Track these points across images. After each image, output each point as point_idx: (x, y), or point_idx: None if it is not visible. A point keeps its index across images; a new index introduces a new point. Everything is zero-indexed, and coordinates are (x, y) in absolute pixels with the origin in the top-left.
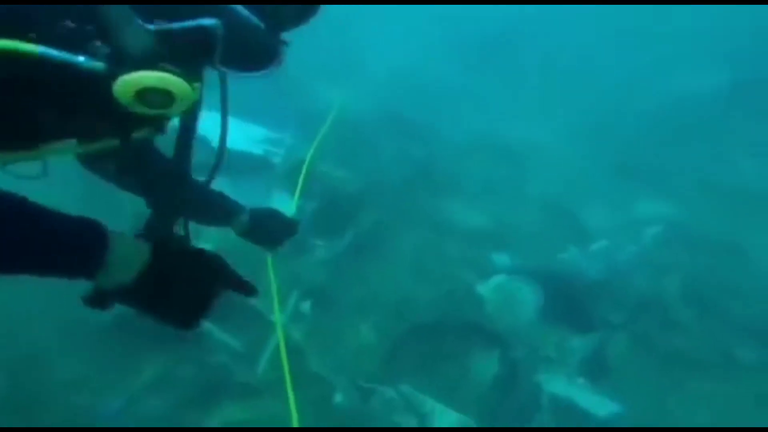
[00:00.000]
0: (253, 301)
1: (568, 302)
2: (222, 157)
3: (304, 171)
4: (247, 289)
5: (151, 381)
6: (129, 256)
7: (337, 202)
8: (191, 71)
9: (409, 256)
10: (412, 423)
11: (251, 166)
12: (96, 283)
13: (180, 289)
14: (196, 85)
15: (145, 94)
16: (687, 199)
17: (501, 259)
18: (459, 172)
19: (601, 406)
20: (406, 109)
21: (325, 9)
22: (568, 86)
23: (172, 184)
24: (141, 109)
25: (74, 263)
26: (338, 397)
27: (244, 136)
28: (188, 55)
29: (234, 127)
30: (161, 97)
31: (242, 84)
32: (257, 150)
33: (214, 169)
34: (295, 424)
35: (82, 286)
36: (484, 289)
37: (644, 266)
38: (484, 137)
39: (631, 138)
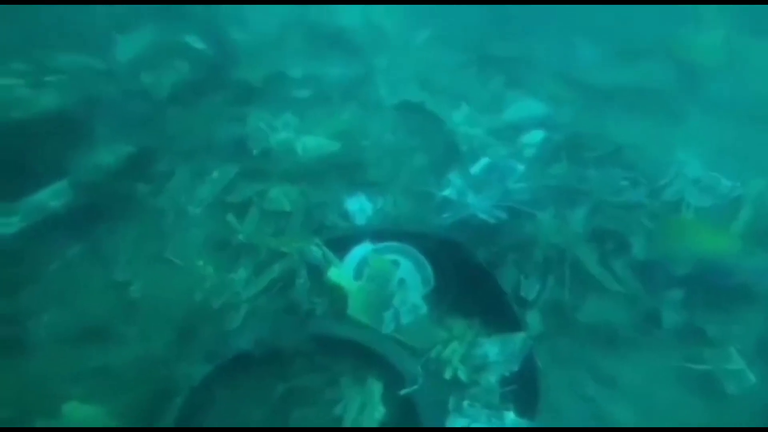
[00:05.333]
0: None
1: (466, 273)
2: None
3: None
4: None
5: None
6: None
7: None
8: None
9: (199, 217)
10: None
11: None
12: None
13: None
14: None
15: None
16: (553, 94)
17: (359, 206)
18: (274, 73)
19: None
20: None
21: None
22: None
23: None
24: None
25: None
26: None
27: None
28: None
29: None
30: None
31: None
32: None
33: None
34: None
35: None
36: (339, 274)
37: (540, 193)
38: (300, 23)
39: (477, 26)
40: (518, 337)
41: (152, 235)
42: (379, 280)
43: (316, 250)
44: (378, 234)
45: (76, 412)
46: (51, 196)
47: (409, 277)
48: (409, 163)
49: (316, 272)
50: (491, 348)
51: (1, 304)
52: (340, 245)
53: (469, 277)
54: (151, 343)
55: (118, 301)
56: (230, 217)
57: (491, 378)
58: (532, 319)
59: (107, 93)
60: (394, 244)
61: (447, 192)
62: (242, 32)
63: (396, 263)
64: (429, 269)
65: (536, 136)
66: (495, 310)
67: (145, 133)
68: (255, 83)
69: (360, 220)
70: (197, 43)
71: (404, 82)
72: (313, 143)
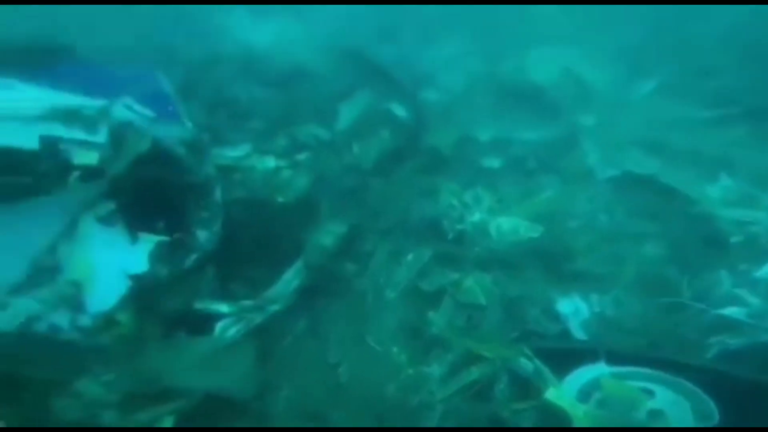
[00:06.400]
0: None
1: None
2: None
3: None
4: None
5: None
6: None
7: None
8: None
9: (394, 302)
10: None
11: None
12: None
13: None
14: None
15: None
16: None
17: (572, 307)
18: (463, 137)
19: None
20: (367, 42)
21: None
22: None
23: None
24: None
25: None
26: None
27: None
28: None
29: None
30: None
31: None
32: None
33: None
34: None
35: None
36: (558, 393)
37: None
38: (489, 79)
39: (727, 70)
40: None
41: (357, 316)
42: (619, 407)
43: (525, 362)
44: (617, 357)
45: None
46: (293, 277)
47: (671, 409)
48: (636, 253)
49: (522, 383)
50: None
51: (258, 377)
52: (555, 358)
53: None
54: None
55: (330, 382)
56: (426, 311)
57: None
58: None
59: (330, 167)
60: (648, 371)
61: (730, 311)
62: (433, 91)
63: (648, 392)
64: (709, 402)
65: None
66: None
67: (354, 208)
68: (444, 150)
69: (574, 325)
70: (398, 109)
71: (623, 147)
72: (509, 226)
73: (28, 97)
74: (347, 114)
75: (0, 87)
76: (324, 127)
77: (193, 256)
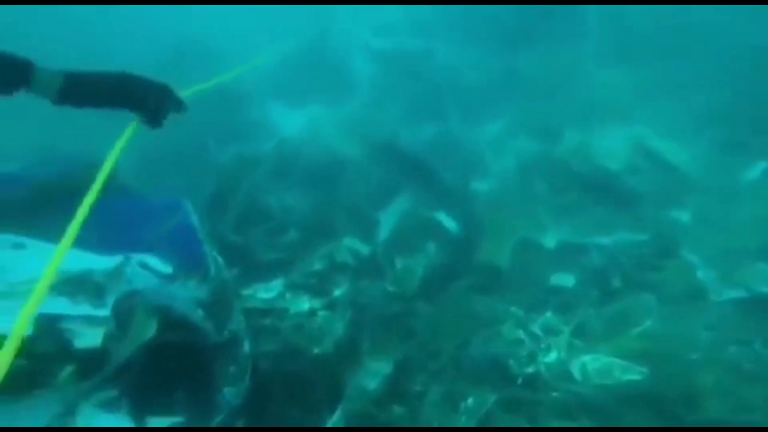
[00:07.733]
0: None
1: None
2: None
3: None
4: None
5: None
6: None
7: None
8: None
9: None
10: None
11: None
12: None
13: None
14: None
15: None
16: None
17: None
18: (522, 242)
19: None
20: (407, 136)
21: None
22: (676, 63)
23: None
24: None
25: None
26: None
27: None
28: None
29: None
30: None
31: None
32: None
33: None
34: None
35: None
36: None
37: None
38: (544, 161)
39: None
40: None
41: None
42: None
43: None
44: None
45: None
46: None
47: None
48: None
49: None
50: None
51: None
52: None
53: None
54: None
55: None
56: None
57: None
58: None
59: (371, 294)
60: None
61: None
62: (481, 181)
63: None
64: None
65: None
66: None
67: (400, 341)
68: (502, 263)
69: None
70: (442, 215)
71: (736, 254)
72: (597, 366)
73: (30, 262)
74: (388, 223)
75: None
76: (363, 241)
77: (219, 418)
